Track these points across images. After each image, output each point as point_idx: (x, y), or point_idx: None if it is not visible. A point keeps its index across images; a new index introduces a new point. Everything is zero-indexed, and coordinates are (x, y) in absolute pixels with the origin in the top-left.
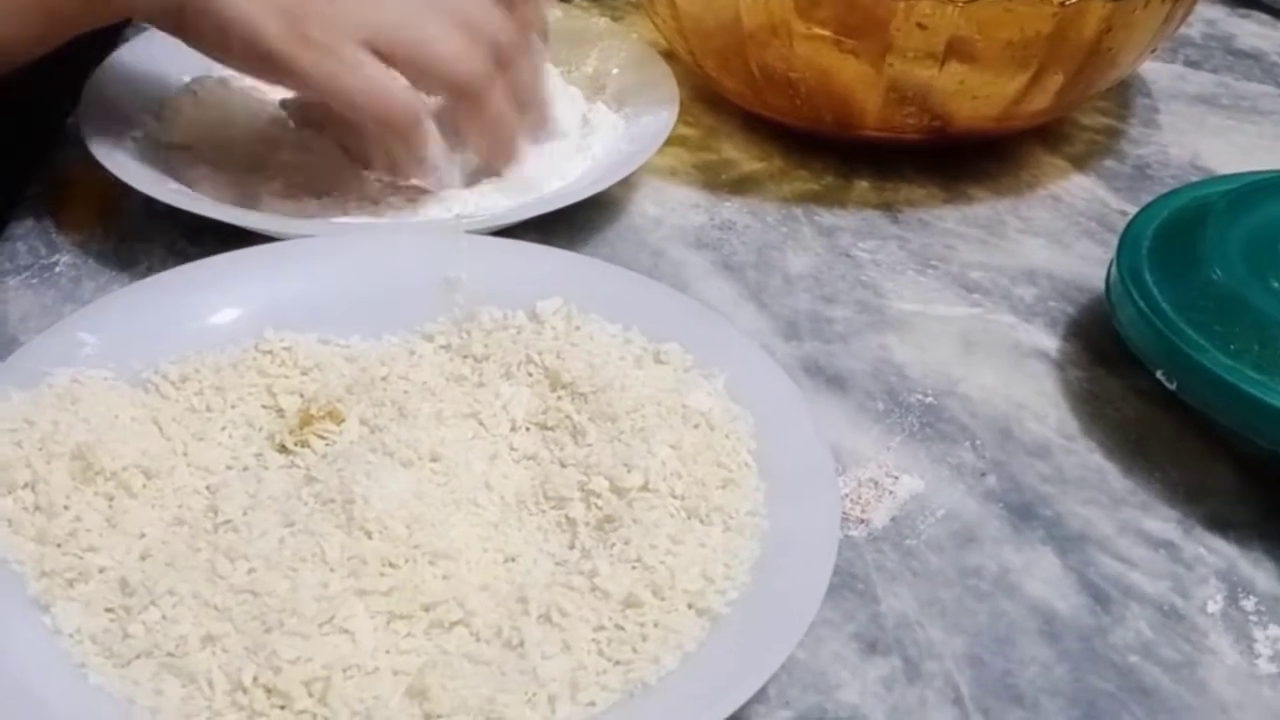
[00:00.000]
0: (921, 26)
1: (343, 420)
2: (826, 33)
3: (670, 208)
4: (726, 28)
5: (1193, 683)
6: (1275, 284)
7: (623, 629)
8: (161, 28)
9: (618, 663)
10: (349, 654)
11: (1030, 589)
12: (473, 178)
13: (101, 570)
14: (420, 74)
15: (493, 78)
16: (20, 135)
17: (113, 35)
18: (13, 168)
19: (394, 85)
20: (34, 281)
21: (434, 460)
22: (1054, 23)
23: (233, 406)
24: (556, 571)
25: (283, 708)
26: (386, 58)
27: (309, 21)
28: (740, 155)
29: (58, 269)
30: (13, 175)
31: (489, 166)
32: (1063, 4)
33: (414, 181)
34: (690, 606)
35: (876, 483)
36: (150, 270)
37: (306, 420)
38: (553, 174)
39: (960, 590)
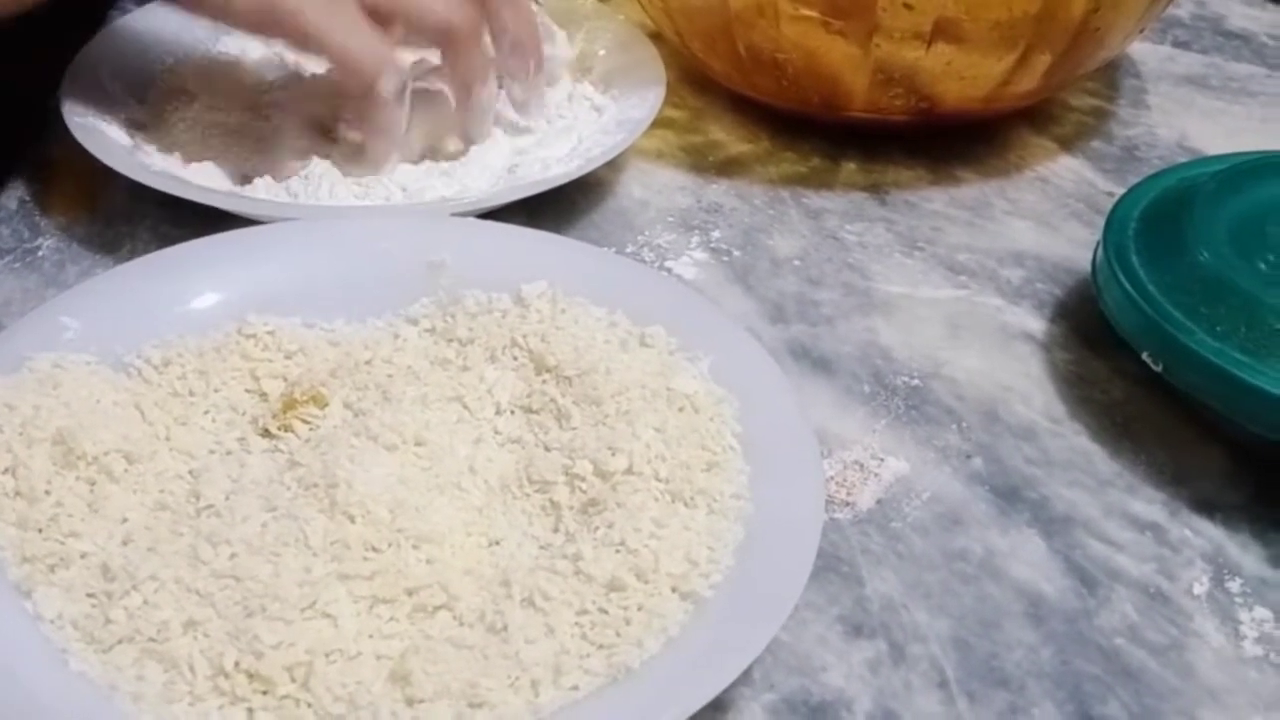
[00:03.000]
0: (908, 7)
1: (326, 404)
2: (813, 13)
3: (657, 190)
4: (713, 8)
5: (1179, 665)
6: (1262, 266)
7: (606, 613)
8: None
9: (601, 646)
10: (331, 639)
11: (1016, 572)
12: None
13: (83, 555)
14: (409, 22)
15: (477, 23)
16: (2, 119)
17: (96, 17)
18: None
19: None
20: (16, 265)
21: (418, 444)
22: (1041, 2)
23: (215, 391)
24: (540, 555)
25: (265, 693)
26: (374, 13)
27: None
28: (727, 137)
29: (40, 253)
30: None
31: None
32: None
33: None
34: (674, 590)
35: (862, 465)
36: (133, 254)
37: (290, 404)
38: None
39: (946, 573)
